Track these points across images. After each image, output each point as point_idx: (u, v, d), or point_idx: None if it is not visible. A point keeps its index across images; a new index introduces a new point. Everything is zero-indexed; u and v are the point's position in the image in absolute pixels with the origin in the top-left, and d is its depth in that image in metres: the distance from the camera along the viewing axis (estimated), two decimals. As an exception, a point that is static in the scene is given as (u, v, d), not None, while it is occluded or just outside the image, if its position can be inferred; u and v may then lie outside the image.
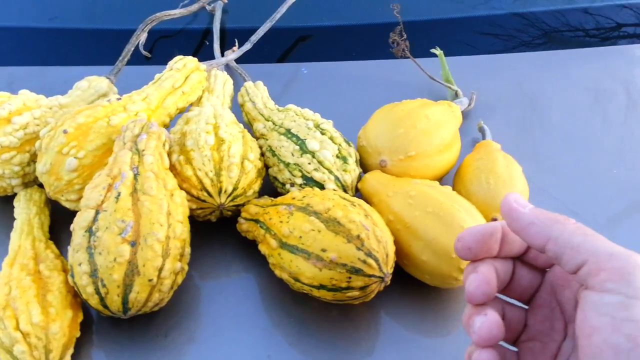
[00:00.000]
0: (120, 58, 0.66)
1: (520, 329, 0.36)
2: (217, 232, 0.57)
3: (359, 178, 0.55)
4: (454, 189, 0.56)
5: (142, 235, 0.44)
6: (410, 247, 0.49)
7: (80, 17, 0.80)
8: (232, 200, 0.52)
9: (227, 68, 0.72)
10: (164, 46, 0.78)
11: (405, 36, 0.66)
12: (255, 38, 0.70)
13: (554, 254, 0.31)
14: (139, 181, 0.47)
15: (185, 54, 0.75)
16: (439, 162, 0.55)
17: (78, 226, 0.46)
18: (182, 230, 0.47)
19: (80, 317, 0.48)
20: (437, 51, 0.70)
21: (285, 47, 0.80)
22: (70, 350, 0.46)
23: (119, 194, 0.45)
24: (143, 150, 0.49)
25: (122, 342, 0.49)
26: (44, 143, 0.52)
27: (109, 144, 0.51)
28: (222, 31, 0.80)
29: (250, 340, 0.49)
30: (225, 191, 0.51)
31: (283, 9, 0.72)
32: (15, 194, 0.56)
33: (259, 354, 0.48)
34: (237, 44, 0.73)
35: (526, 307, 0.36)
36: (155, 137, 0.50)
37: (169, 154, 0.52)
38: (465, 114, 0.70)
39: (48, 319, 0.45)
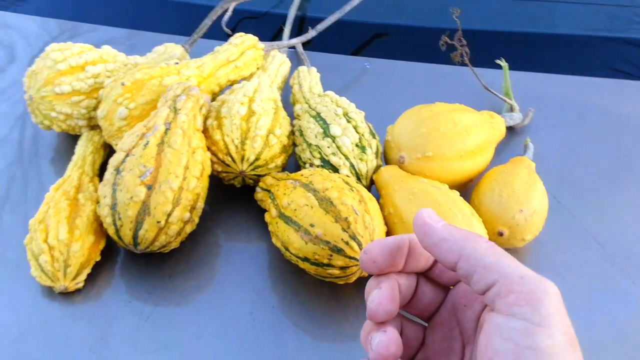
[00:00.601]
0: (197, 30, 0.72)
1: (417, 346, 0.35)
2: (243, 199, 0.61)
3: (377, 169, 0.57)
4: (471, 198, 0.57)
5: (158, 182, 0.50)
6: (402, 240, 0.50)
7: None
8: (253, 169, 0.56)
9: (297, 53, 0.77)
10: (246, 26, 0.84)
11: (464, 42, 0.66)
12: (321, 27, 0.74)
13: (465, 272, 0.30)
14: (167, 135, 0.52)
15: (265, 36, 0.80)
16: (458, 168, 0.55)
17: (110, 164, 0.52)
18: (197, 185, 0.52)
19: (102, 244, 0.54)
20: (502, 63, 0.70)
21: (361, 41, 0.83)
22: (87, 270, 0.53)
23: (147, 143, 0.51)
24: (179, 109, 0.54)
25: (134, 274, 0.55)
26: (106, 92, 0.59)
27: (157, 100, 0.57)
28: (302, 19, 0.84)
29: (243, 299, 0.53)
30: (247, 159, 0.55)
31: (355, 2, 0.75)
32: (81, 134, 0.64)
33: (244, 311, 0.52)
34: (309, 30, 0.77)
35: (425, 324, 0.36)
36: (193, 100, 0.55)
37: (206, 118, 0.58)
38: (519, 131, 0.69)
39: (72, 238, 0.52)
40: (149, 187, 0.50)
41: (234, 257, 0.57)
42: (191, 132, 0.53)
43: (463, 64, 0.67)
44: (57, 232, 0.51)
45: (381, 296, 0.32)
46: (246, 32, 0.81)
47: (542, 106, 0.71)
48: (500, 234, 0.53)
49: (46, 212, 0.53)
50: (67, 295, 0.53)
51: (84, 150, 0.61)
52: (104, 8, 0.91)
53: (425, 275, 0.35)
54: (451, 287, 0.35)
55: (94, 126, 0.64)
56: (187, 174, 0.51)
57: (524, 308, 0.28)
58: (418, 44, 0.82)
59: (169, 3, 0.89)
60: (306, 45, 0.80)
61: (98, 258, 0.54)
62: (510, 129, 0.69)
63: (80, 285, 0.53)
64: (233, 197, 0.62)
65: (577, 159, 0.66)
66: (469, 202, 0.55)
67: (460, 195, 0.53)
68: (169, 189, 0.50)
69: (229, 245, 0.58)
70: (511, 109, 0.69)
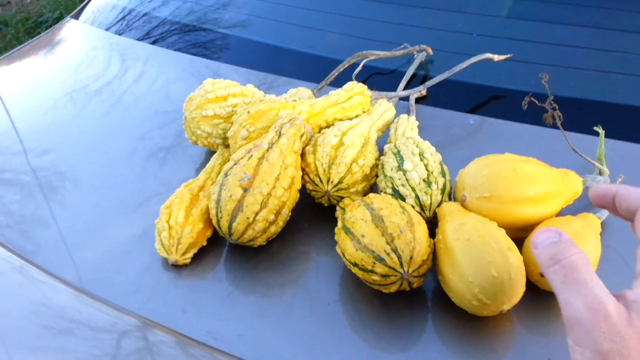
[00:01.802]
0: (325, 79, 0.86)
1: None
2: (332, 218, 0.72)
3: (441, 204, 0.64)
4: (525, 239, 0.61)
5: (253, 186, 0.63)
6: (443, 263, 0.57)
7: (325, 47, 1.03)
8: (336, 190, 0.67)
9: (409, 105, 0.87)
10: (374, 80, 0.96)
11: (555, 106, 0.71)
12: (430, 83, 0.84)
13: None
14: (268, 152, 0.65)
15: (389, 89, 0.92)
16: (515, 212, 0.60)
17: (222, 170, 0.67)
18: (283, 194, 0.64)
19: (209, 233, 0.68)
20: (599, 129, 0.73)
21: (477, 101, 0.90)
22: (194, 250, 0.67)
23: (251, 156, 0.65)
24: (283, 134, 0.67)
25: (230, 261, 0.68)
26: (236, 117, 0.74)
27: (271, 126, 0.71)
28: (424, 77, 0.94)
29: (305, 295, 0.63)
30: (331, 181, 0.66)
31: (464, 64, 0.83)
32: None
33: (304, 304, 0.62)
34: (425, 89, 0.87)
35: None
36: (296, 128, 0.68)
37: (306, 144, 0.70)
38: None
39: (186, 222, 0.66)
40: (245, 190, 0.63)
41: (311, 264, 0.68)
42: (287, 152, 0.66)
43: (555, 127, 0.72)
44: (177, 216, 0.66)
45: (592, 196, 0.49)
46: (373, 85, 0.93)
47: (637, 176, 0.72)
48: (541, 275, 0.57)
49: (173, 200, 0.68)
50: (176, 267, 0.67)
51: (214, 162, 0.76)
52: (289, 63, 1.08)
53: None
54: None
55: (227, 145, 0.80)
56: (276, 184, 0.64)
57: None
58: (532, 108, 0.87)
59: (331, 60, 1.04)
60: (422, 100, 0.90)
61: (204, 243, 0.68)
62: (596, 191, 0.71)
63: (188, 261, 0.67)
64: (324, 216, 0.73)
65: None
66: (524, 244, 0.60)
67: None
68: (259, 193, 0.63)
69: (310, 254, 0.69)
70: (600, 173, 0.71)
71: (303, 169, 0.69)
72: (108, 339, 0.62)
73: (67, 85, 1.08)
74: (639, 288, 0.40)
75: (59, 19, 3.07)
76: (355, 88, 0.78)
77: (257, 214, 0.63)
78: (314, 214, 0.74)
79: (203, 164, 0.84)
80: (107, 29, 1.23)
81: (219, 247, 0.70)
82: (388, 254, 0.55)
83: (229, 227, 0.64)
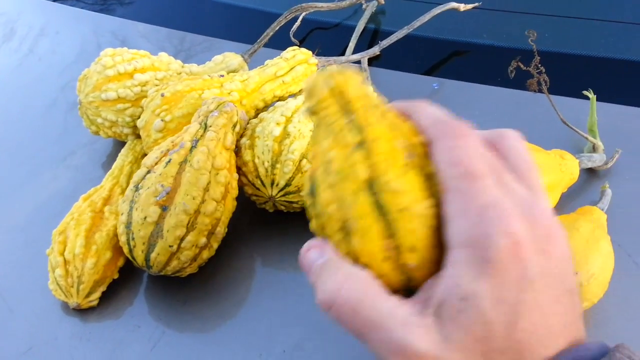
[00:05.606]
0: (259, 40, 0.69)
1: None
2: (282, 226, 0.57)
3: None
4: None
5: (174, 203, 0.47)
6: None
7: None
8: (283, 195, 0.52)
9: (362, 69, 0.71)
10: (317, 37, 0.80)
11: (541, 69, 0.58)
12: (386, 43, 0.68)
13: None
14: (192, 153, 0.49)
15: (335, 48, 0.76)
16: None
17: (132, 180, 0.50)
18: (216, 209, 0.48)
19: (121, 262, 0.52)
20: (590, 94, 0.61)
21: (435, 60, 0.76)
22: (102, 288, 0.51)
23: (169, 160, 0.49)
24: (210, 126, 0.51)
25: (152, 295, 0.53)
26: (147, 101, 0.57)
27: (194, 114, 0.55)
28: (375, 32, 0.79)
29: (255, 337, 0.49)
30: (277, 184, 0.51)
31: (425, 17, 0.68)
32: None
33: (252, 354, 0.48)
34: (379, 46, 0.72)
35: None
36: (226, 117, 0.52)
37: (241, 136, 0.54)
38: (601, 173, 0.59)
39: (88, 253, 0.50)
40: (164, 208, 0.47)
41: (256, 286, 0.53)
42: (217, 151, 0.50)
43: (541, 92, 0.59)
44: (74, 246, 0.50)
45: None
46: (316, 43, 0.77)
47: (632, 147, 0.60)
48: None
49: (68, 223, 0.52)
50: (81, 312, 0.51)
51: (123, 160, 0.59)
52: (211, 19, 0.90)
53: None
54: None
55: (138, 135, 0.63)
56: (205, 196, 0.48)
57: None
58: (498, 65, 0.74)
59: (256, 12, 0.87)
60: (374, 61, 0.75)
61: (115, 276, 0.52)
62: (589, 170, 0.60)
63: (94, 303, 0.51)
64: (272, 222, 0.58)
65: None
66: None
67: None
68: (182, 212, 0.47)
69: (254, 272, 0.54)
70: (593, 149, 0.59)
71: (239, 169, 0.53)
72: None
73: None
74: (449, 279, 0.28)
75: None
76: (297, 55, 0.62)
77: (182, 239, 0.47)
78: (255, 217, 0.58)
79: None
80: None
81: (135, 277, 0.54)
82: None
83: (147, 259, 0.48)
